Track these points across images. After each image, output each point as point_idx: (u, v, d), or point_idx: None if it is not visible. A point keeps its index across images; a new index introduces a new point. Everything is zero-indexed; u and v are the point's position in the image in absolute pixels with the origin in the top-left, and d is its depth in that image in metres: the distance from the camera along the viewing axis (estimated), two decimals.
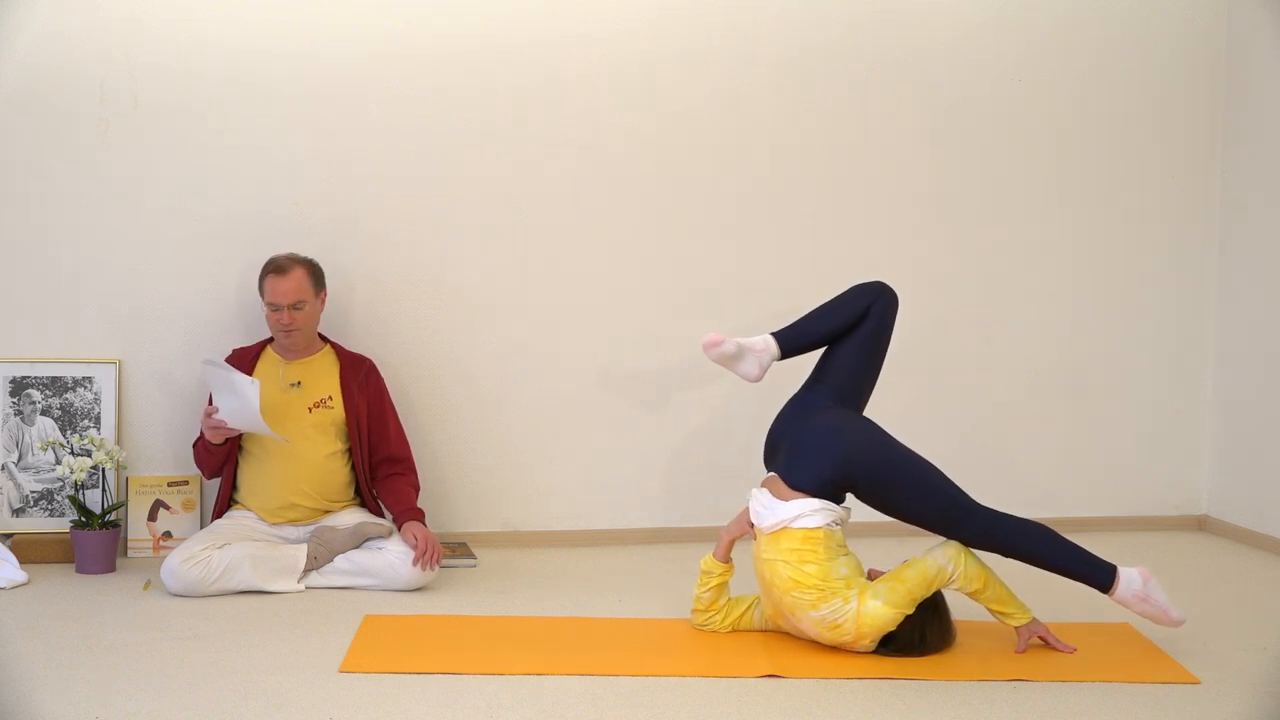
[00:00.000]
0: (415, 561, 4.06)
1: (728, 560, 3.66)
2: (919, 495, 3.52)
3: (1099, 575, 3.53)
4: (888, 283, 3.83)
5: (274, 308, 4.23)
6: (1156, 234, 5.10)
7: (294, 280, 4.22)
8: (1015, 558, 3.55)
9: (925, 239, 4.96)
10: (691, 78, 4.78)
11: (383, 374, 4.45)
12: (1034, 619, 3.54)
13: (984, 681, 3.33)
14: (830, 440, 3.56)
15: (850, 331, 3.76)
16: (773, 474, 3.67)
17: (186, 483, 4.52)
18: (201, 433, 4.25)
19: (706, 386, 4.78)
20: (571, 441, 4.81)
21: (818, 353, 3.86)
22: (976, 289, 5.02)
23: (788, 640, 3.60)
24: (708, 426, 4.86)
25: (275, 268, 4.25)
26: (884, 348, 3.80)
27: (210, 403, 4.25)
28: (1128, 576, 3.53)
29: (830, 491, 3.51)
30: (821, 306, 3.82)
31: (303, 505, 4.24)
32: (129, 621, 3.74)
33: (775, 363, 3.80)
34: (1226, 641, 3.67)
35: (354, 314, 4.62)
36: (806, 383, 3.82)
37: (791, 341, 3.79)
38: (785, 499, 3.53)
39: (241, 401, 4.01)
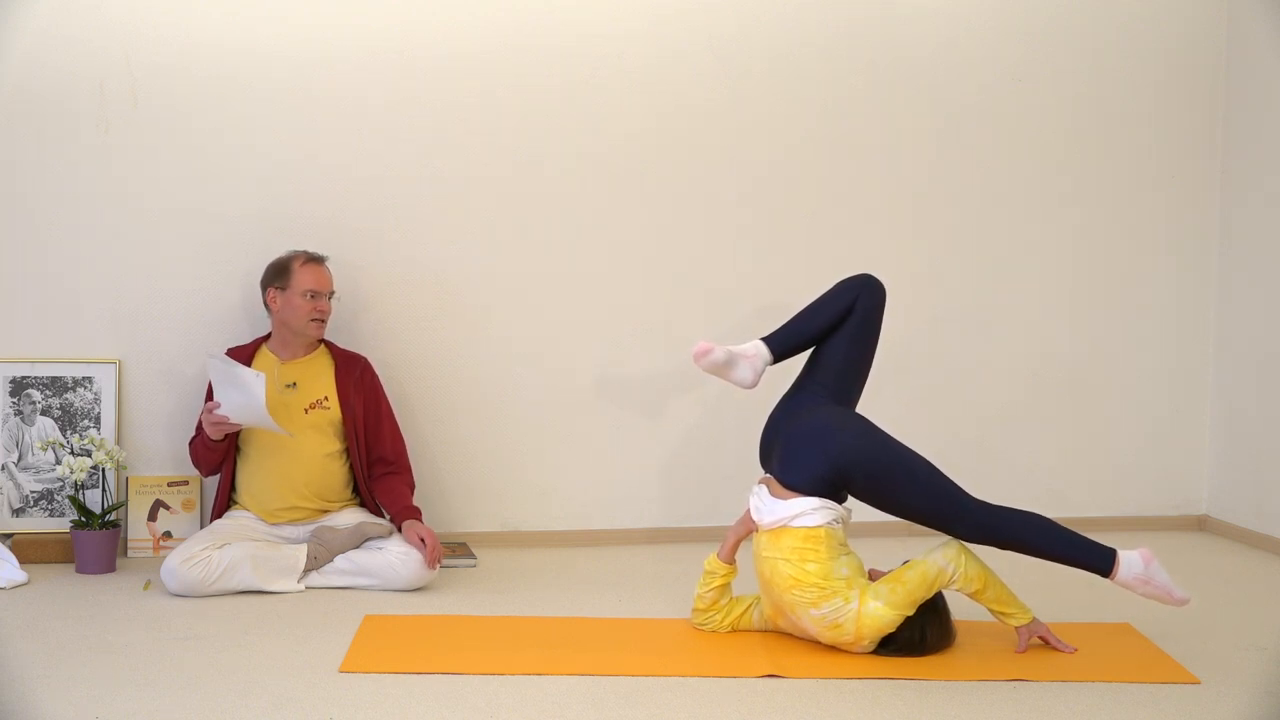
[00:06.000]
0: (431, 565, 4.06)
1: (732, 561, 3.66)
2: (914, 490, 3.51)
3: (1099, 560, 3.52)
4: (875, 275, 3.81)
5: (314, 295, 4.25)
6: (1156, 234, 5.10)
7: (328, 270, 4.31)
8: (1014, 549, 3.54)
9: (925, 238, 4.96)
10: (691, 78, 4.78)
11: (378, 372, 4.45)
12: (1034, 619, 3.53)
13: (984, 681, 3.33)
14: (822, 438, 3.55)
15: (838, 327, 3.75)
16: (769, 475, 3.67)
17: (186, 483, 4.52)
18: (198, 430, 4.26)
19: (705, 385, 4.78)
20: (571, 441, 4.81)
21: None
22: (976, 288, 5.02)
23: (788, 640, 3.60)
24: (707, 425, 4.86)
25: (311, 257, 4.29)
26: (873, 341, 3.78)
27: (208, 398, 4.26)
28: (1128, 559, 3.52)
29: (826, 489, 3.50)
30: (809, 305, 3.79)
31: (302, 506, 4.24)
32: (129, 621, 3.74)
33: (769, 366, 3.79)
34: (1226, 641, 3.67)
35: (354, 314, 4.62)
36: (797, 381, 3.80)
37: (782, 343, 3.77)
38: (783, 498, 3.53)
39: (246, 396, 4.01)
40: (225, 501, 4.30)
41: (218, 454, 4.22)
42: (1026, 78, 4.97)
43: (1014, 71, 4.96)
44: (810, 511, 3.47)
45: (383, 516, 4.35)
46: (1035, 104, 4.99)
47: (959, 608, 3.59)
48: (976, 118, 4.96)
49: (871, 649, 3.46)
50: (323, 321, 4.29)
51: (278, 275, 4.27)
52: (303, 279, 4.24)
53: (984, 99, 4.96)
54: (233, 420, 4.07)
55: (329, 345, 4.40)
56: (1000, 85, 4.96)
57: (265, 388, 4.01)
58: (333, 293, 4.32)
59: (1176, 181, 5.09)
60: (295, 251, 4.30)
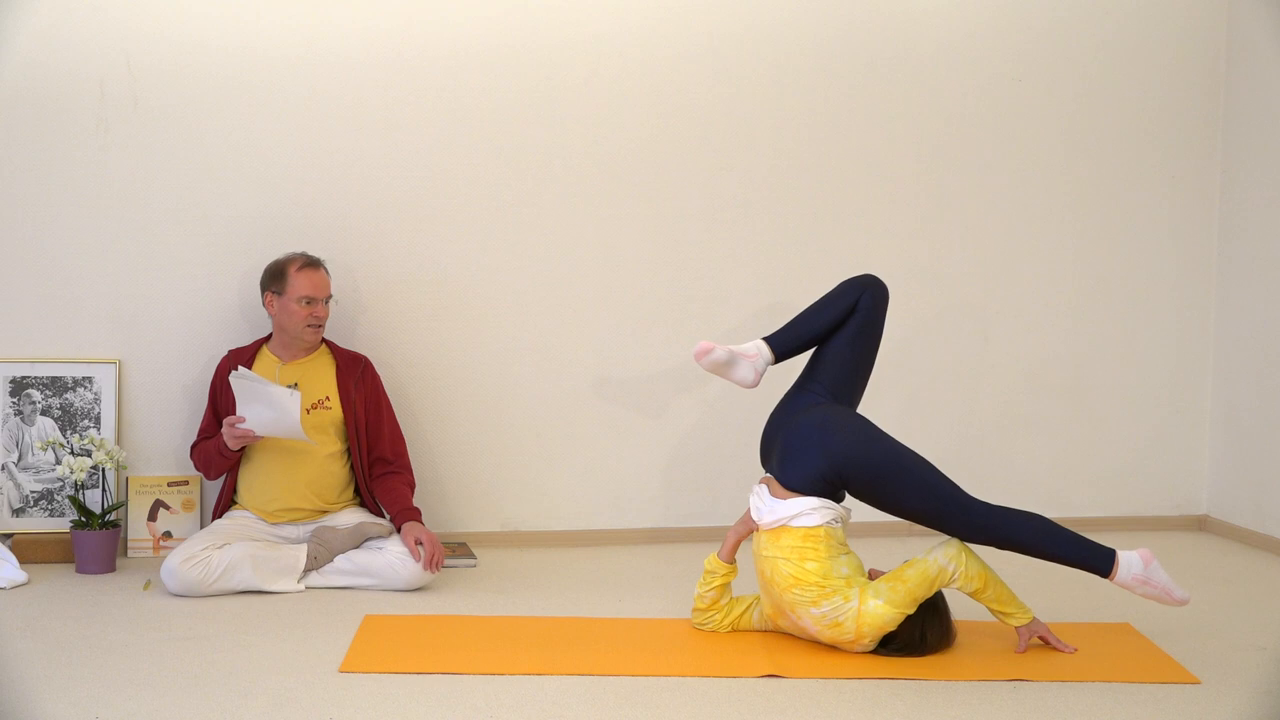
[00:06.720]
0: (427, 568, 4.06)
1: (732, 560, 3.66)
2: (912, 491, 3.50)
3: (1098, 561, 3.52)
4: (878, 275, 3.82)
5: (309, 301, 4.24)
6: (1156, 234, 5.10)
7: (325, 274, 4.29)
8: (1013, 550, 3.54)
9: (925, 239, 4.96)
10: (691, 79, 4.78)
11: (379, 372, 4.45)
12: (1035, 619, 3.53)
13: (984, 681, 3.33)
14: (820, 438, 3.54)
15: (840, 327, 3.75)
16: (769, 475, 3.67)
17: (186, 483, 4.52)
18: (203, 436, 4.28)
19: (705, 385, 4.79)
20: (571, 441, 4.81)
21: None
22: (976, 289, 5.01)
23: (788, 640, 3.60)
24: (707, 425, 4.86)
25: (308, 262, 4.27)
26: (875, 341, 3.78)
27: (209, 401, 4.27)
28: (1128, 560, 3.52)
29: (824, 489, 3.50)
30: (812, 305, 3.79)
31: (302, 506, 4.24)
32: (129, 621, 3.74)
33: (771, 366, 3.79)
34: (1226, 641, 3.67)
35: (354, 314, 4.62)
36: (798, 381, 3.80)
37: (784, 344, 3.76)
38: (783, 498, 3.53)
39: (277, 412, 4.01)
40: (227, 501, 4.30)
41: (231, 461, 4.22)
42: (1026, 78, 4.97)
43: (1014, 71, 4.96)
44: (809, 511, 3.47)
45: (383, 516, 4.35)
46: (1035, 104, 4.99)
47: (959, 608, 3.60)
48: (976, 118, 4.96)
49: (872, 648, 3.46)
50: (319, 327, 4.29)
51: (274, 279, 4.26)
52: (299, 285, 4.23)
53: (984, 99, 4.96)
54: (258, 433, 4.08)
55: (330, 345, 4.40)
56: (1000, 85, 4.96)
57: (299, 404, 4.01)
58: (330, 297, 4.31)
59: (1176, 181, 5.09)
60: (292, 255, 4.29)
